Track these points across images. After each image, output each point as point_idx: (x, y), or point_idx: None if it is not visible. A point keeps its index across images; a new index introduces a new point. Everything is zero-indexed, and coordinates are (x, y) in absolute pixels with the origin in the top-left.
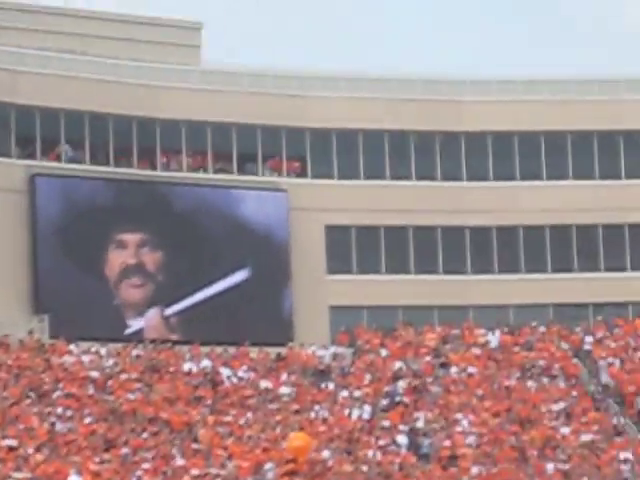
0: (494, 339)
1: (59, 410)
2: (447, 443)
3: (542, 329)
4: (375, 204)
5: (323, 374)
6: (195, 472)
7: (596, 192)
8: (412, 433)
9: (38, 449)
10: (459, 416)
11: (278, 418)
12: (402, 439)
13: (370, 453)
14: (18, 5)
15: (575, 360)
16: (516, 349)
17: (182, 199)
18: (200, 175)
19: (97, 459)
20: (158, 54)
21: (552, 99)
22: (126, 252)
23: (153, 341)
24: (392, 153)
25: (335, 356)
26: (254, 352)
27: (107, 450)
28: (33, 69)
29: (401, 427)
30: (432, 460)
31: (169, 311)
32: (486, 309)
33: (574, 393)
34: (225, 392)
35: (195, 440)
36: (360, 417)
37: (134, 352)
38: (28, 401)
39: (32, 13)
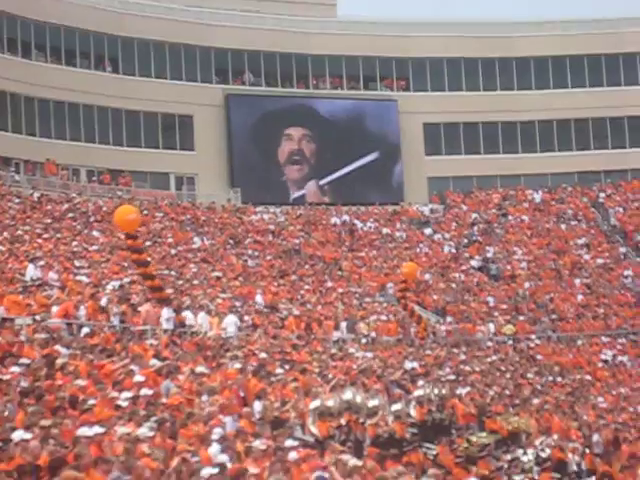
0: (538, 196)
1: (249, 251)
2: (508, 267)
3: (570, 189)
4: (456, 108)
5: (424, 223)
6: (340, 290)
7: (603, 96)
8: (484, 261)
9: (236, 278)
10: (515, 249)
11: (395, 253)
12: (476, 263)
13: (457, 275)
14: None
15: (592, 209)
16: (553, 203)
17: (327, 108)
18: (338, 91)
19: (275, 284)
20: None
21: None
22: (292, 142)
23: (311, 204)
24: (466, 73)
25: (432, 211)
26: (378, 209)
27: (282, 277)
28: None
29: (477, 257)
30: (499, 279)
31: (322, 182)
32: (532, 177)
33: (592, 231)
34: (359, 237)
35: (340, 269)
36: (449, 251)
37: (297, 212)
38: (228, 246)
39: None
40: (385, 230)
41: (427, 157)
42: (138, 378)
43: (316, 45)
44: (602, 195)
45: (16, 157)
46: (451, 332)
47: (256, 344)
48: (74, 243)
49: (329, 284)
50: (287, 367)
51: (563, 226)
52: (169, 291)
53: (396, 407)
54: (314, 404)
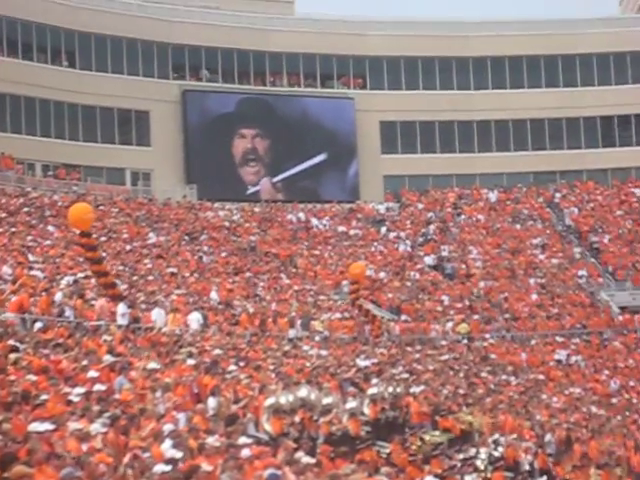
0: (493, 196)
1: (205, 248)
2: (463, 266)
3: (525, 189)
4: (412, 106)
5: (380, 221)
6: (296, 287)
7: (559, 97)
8: (439, 260)
9: (191, 274)
10: (471, 248)
11: (350, 251)
12: (431, 262)
13: (412, 273)
14: None
15: (548, 209)
16: (508, 202)
17: (283, 105)
18: (295, 89)
19: (230, 280)
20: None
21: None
22: (245, 140)
23: (266, 201)
24: (423, 72)
25: (387, 209)
26: (334, 207)
27: (236, 274)
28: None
29: (432, 256)
30: (453, 278)
31: (275, 179)
32: (488, 176)
33: (547, 232)
34: (314, 234)
35: (295, 267)
36: (405, 250)
37: (254, 208)
38: (184, 242)
39: None
40: (340, 228)
41: (383, 155)
42: (91, 374)
43: (274, 42)
44: (557, 195)
45: None
46: (405, 330)
47: (210, 341)
48: (29, 237)
49: (284, 281)
50: (241, 364)
51: (518, 226)
52: (123, 287)
53: (350, 405)
54: (268, 401)
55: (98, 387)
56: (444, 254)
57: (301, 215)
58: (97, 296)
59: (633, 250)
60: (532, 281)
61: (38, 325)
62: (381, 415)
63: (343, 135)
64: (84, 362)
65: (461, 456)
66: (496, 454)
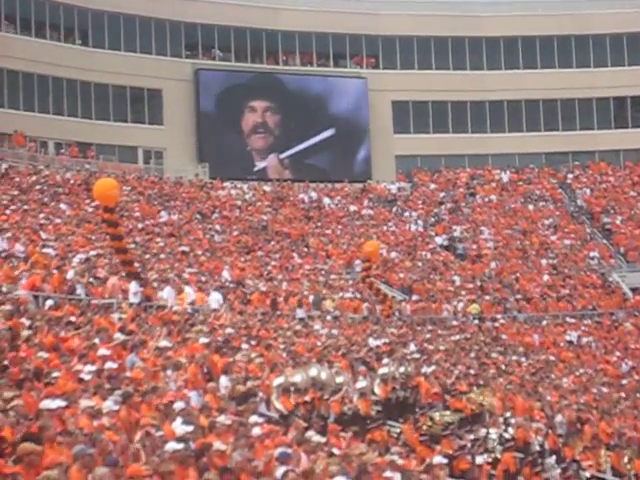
0: (505, 176)
1: (216, 226)
2: (474, 247)
3: (537, 170)
4: (425, 86)
5: (391, 201)
6: (307, 267)
7: (572, 77)
8: (451, 240)
9: (203, 253)
10: (482, 228)
11: (362, 231)
12: (442, 242)
13: (423, 253)
14: None
15: (560, 190)
16: (520, 183)
17: (296, 83)
18: (308, 68)
19: (242, 259)
20: None
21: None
22: (255, 114)
23: (277, 180)
24: (436, 52)
25: (399, 189)
26: (345, 187)
27: (248, 253)
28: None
29: (443, 236)
30: (465, 258)
31: (282, 155)
32: (500, 156)
33: (559, 212)
34: (326, 213)
35: (307, 246)
36: (416, 230)
37: (265, 187)
38: (195, 221)
39: None
40: (352, 207)
41: (395, 135)
42: (103, 351)
43: (286, 21)
44: (570, 176)
45: None
46: (416, 310)
47: (222, 319)
48: (41, 215)
49: (296, 260)
50: (252, 343)
51: (530, 206)
52: (136, 265)
53: (361, 385)
54: (279, 380)
55: (109, 365)
56: (456, 234)
57: (313, 194)
58: (109, 274)
59: None
60: (544, 262)
61: (49, 303)
62: (392, 395)
63: (355, 115)
64: (95, 340)
65: (472, 436)
66: (506, 435)
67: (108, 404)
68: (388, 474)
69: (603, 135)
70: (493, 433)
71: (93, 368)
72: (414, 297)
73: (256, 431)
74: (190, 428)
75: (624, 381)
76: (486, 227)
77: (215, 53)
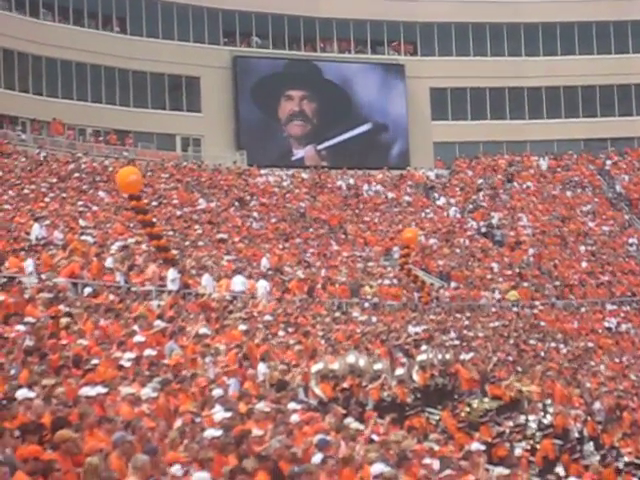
0: (544, 163)
1: (254, 214)
2: (512, 233)
3: (576, 156)
4: (463, 73)
5: (430, 188)
6: (345, 254)
7: (611, 63)
8: (489, 227)
9: (241, 240)
10: (521, 215)
11: (400, 217)
12: (482, 230)
13: (461, 240)
14: None
15: (598, 176)
16: (558, 170)
17: (332, 70)
18: (345, 55)
19: (280, 247)
20: None
21: None
22: (292, 102)
23: (315, 167)
24: (474, 38)
25: (437, 176)
26: (384, 173)
27: (286, 240)
28: None
29: (482, 223)
30: (503, 245)
31: (320, 147)
32: (538, 143)
33: (597, 199)
34: (365, 200)
35: (345, 233)
36: (454, 216)
37: (303, 174)
38: (233, 208)
39: None
40: (391, 194)
41: (433, 122)
42: (141, 339)
43: (324, 8)
44: (608, 162)
45: (23, 116)
46: (455, 297)
47: (260, 306)
48: (79, 203)
49: (334, 247)
50: (291, 330)
51: (569, 193)
52: (174, 252)
53: (399, 372)
54: (317, 367)
55: (148, 352)
56: (494, 221)
57: (351, 181)
58: (147, 261)
59: None
60: (582, 248)
61: (88, 290)
62: (430, 382)
63: (393, 102)
64: (134, 327)
65: (510, 423)
66: (545, 422)
67: (147, 391)
68: (427, 461)
69: None
70: (532, 420)
71: (132, 355)
72: (452, 284)
73: (294, 418)
74: (229, 415)
75: None
76: (524, 214)
77: (253, 40)
